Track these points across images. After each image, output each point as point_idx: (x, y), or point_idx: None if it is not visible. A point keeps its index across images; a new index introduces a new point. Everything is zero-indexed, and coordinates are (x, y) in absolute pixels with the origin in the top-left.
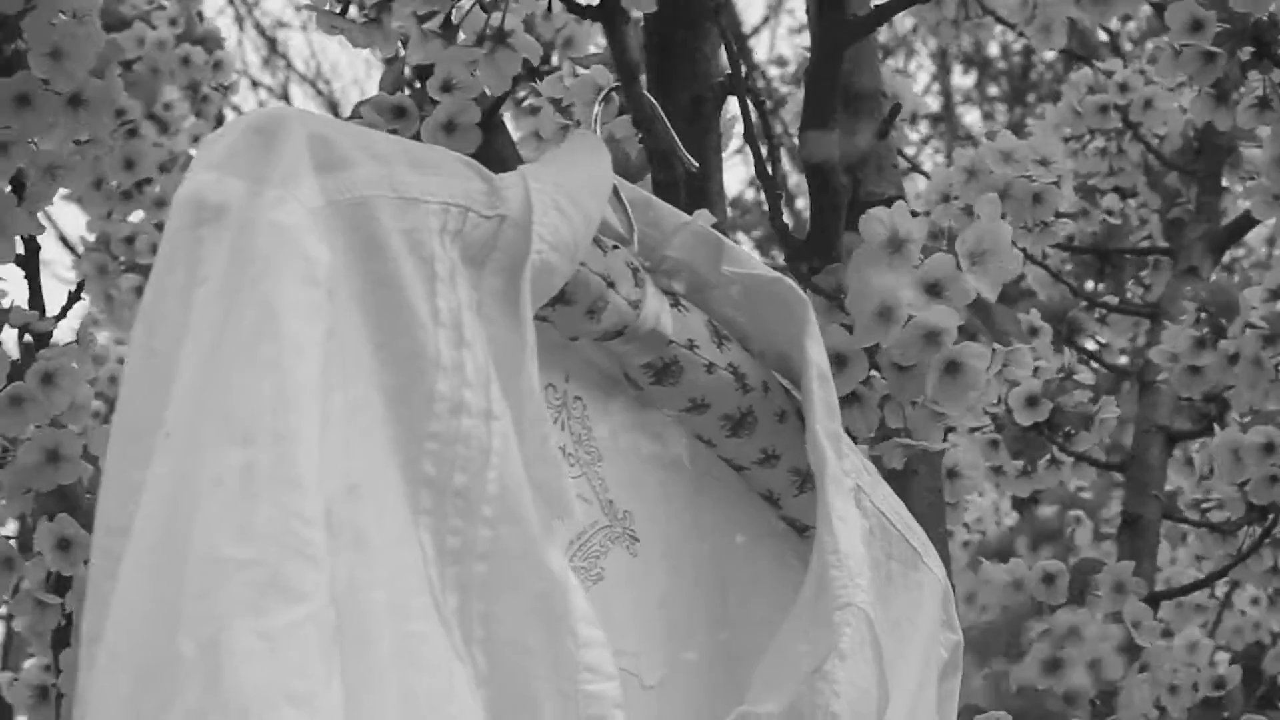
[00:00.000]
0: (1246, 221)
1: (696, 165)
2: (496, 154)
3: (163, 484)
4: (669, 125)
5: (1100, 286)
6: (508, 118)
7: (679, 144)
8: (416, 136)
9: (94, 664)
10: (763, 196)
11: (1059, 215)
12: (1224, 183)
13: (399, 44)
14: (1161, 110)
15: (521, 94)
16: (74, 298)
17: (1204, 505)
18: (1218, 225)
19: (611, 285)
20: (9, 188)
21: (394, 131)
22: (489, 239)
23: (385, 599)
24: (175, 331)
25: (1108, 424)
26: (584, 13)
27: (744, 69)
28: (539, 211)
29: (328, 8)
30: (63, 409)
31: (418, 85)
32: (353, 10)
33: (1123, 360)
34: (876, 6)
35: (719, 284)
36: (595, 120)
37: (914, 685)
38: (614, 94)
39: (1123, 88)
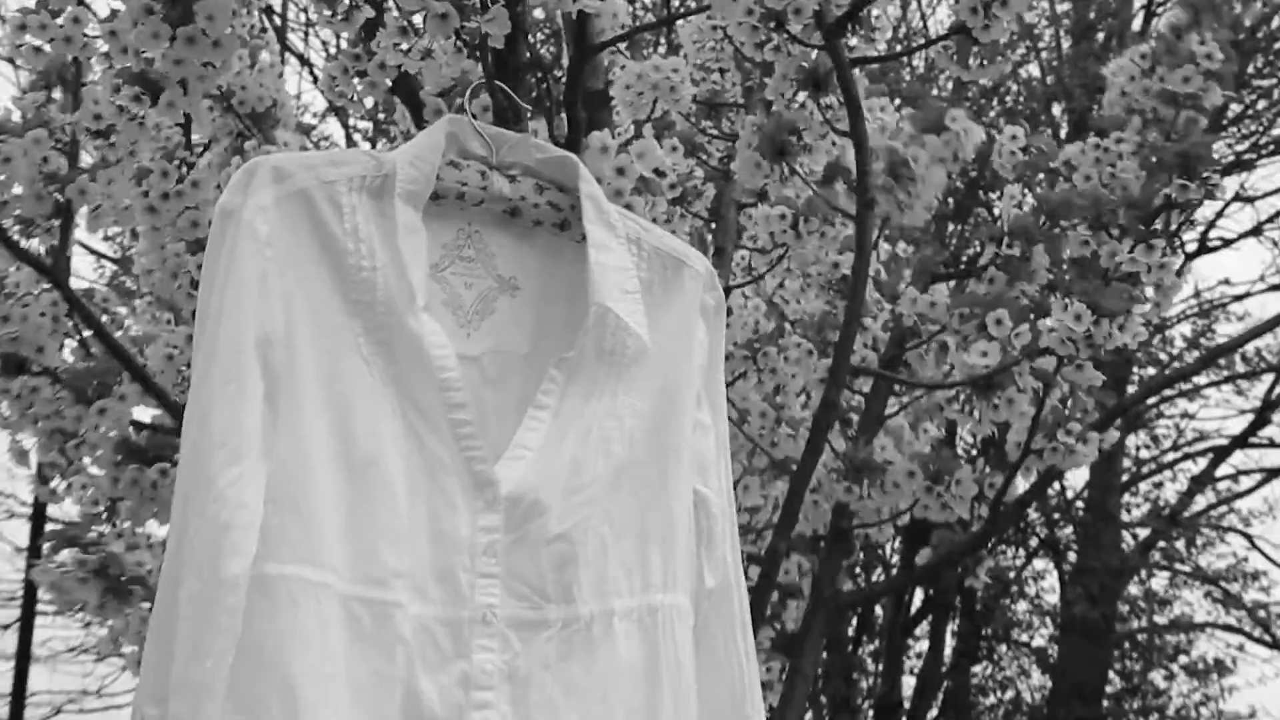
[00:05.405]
0: None
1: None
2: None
3: (200, 364)
4: (518, 101)
5: (709, 123)
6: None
7: (524, 107)
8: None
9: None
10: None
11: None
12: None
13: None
14: None
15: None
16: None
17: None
18: None
19: (465, 184)
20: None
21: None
22: (382, 186)
23: (314, 371)
24: (212, 276)
25: (706, 196)
26: (471, 49)
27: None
28: (401, 169)
29: None
30: None
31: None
32: None
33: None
34: (602, 42)
35: (537, 165)
36: (467, 100)
37: (675, 327)
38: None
39: None
